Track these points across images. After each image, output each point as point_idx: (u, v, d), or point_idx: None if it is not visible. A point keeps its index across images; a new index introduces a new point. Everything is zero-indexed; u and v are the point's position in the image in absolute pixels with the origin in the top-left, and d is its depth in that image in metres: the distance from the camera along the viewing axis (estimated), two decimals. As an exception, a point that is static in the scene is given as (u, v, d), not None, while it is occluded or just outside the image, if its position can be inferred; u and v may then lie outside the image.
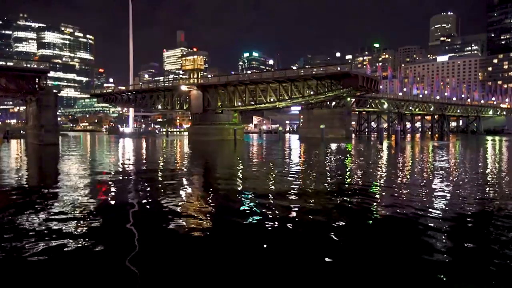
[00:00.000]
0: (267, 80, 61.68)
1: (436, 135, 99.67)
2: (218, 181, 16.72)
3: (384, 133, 78.88)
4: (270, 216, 9.59)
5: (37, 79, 52.97)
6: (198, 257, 6.83)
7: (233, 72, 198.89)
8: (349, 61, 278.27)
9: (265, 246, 7.32)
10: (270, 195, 12.53)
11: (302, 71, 64.95)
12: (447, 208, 10.65)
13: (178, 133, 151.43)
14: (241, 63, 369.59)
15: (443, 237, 7.88)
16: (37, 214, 9.86)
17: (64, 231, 8.28)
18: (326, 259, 6.66)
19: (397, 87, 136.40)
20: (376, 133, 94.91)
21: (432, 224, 8.81)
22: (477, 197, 12.37)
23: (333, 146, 45.20)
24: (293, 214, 9.98)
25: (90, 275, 6.04)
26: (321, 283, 5.73)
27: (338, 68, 60.01)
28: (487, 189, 13.94)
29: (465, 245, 7.36)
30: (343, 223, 9.00)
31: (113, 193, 13.63)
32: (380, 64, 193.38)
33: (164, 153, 36.54)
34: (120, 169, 21.57)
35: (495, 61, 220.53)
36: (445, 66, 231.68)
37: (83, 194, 12.96)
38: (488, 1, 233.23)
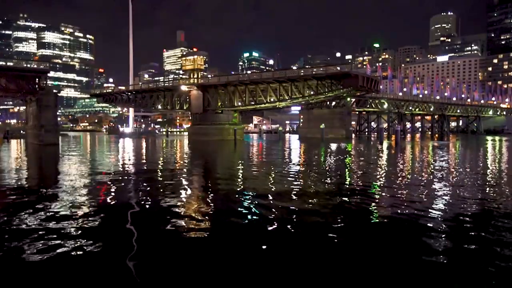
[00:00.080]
0: (267, 80, 61.65)
1: (436, 135, 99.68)
2: (218, 181, 16.72)
3: (384, 133, 78.91)
4: (269, 217, 9.58)
5: (37, 79, 52.99)
6: (197, 257, 6.83)
7: (233, 72, 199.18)
8: (349, 61, 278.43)
9: (264, 247, 7.31)
10: (270, 196, 12.51)
11: (302, 71, 64.91)
12: (447, 209, 10.65)
13: (178, 133, 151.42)
14: (241, 63, 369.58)
15: (443, 237, 7.87)
16: (36, 214, 9.84)
17: (63, 231, 8.27)
18: (326, 259, 6.66)
19: (397, 87, 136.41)
20: (376, 133, 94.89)
21: (432, 225, 8.81)
22: (477, 197, 12.36)
23: (333, 146, 45.20)
24: (293, 214, 9.97)
25: (90, 275, 6.04)
26: (321, 283, 5.72)
27: (338, 68, 59.98)
28: (487, 189, 13.94)
29: (465, 245, 7.35)
30: (343, 224, 9.00)
31: (113, 193, 13.61)
32: (380, 64, 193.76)
33: (164, 153, 36.53)
34: (120, 169, 21.58)
35: (495, 61, 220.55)
36: (445, 66, 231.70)
37: (82, 194, 12.95)
38: (488, 1, 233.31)
